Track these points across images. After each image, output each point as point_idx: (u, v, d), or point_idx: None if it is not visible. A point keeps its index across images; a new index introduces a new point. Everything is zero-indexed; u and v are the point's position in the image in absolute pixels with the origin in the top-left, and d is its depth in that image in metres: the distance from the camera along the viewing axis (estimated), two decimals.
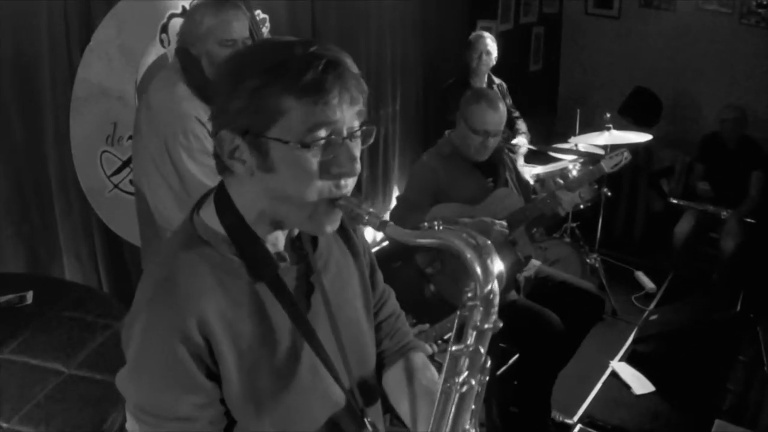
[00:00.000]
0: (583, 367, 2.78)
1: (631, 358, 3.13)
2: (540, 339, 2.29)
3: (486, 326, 0.85)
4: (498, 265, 0.84)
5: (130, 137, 2.47)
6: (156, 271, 0.91)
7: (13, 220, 2.23)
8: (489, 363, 0.88)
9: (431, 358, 1.92)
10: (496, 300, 0.85)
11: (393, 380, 1.13)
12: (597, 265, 3.64)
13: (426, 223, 0.85)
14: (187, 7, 2.62)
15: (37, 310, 1.82)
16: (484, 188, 2.41)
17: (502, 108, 2.33)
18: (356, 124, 0.86)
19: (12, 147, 2.20)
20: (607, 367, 3.05)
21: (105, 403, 1.46)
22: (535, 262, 2.60)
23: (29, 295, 1.87)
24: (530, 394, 2.49)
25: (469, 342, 0.86)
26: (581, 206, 3.40)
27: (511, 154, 2.84)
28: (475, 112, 2.29)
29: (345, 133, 0.85)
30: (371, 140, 0.90)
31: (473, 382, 0.86)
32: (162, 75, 2.01)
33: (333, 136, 0.84)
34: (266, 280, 0.91)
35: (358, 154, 0.87)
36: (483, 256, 0.82)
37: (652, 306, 3.62)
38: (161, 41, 2.59)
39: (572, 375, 2.61)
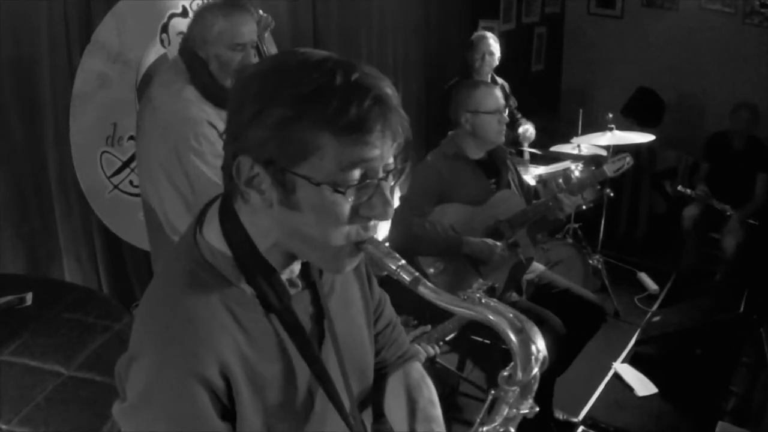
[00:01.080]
0: (585, 369, 2.77)
1: (633, 360, 3.11)
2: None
3: (521, 411, 0.81)
4: (542, 351, 0.79)
5: (130, 137, 2.47)
6: (164, 304, 0.82)
7: (12, 221, 2.23)
8: None
9: (432, 360, 1.91)
10: (536, 386, 0.81)
11: (392, 395, 1.09)
12: (599, 266, 3.62)
13: (468, 292, 0.79)
14: (188, 6, 2.62)
15: (37, 311, 1.81)
16: (487, 189, 2.40)
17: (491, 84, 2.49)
18: (391, 160, 0.78)
19: (11, 148, 2.20)
20: (609, 368, 3.03)
21: (105, 405, 1.44)
22: (538, 266, 2.59)
23: (29, 297, 1.86)
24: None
25: (498, 423, 0.82)
26: (584, 207, 3.39)
27: (516, 156, 2.84)
28: (482, 96, 2.35)
29: (381, 173, 0.77)
30: (403, 177, 0.83)
31: None
32: (165, 77, 1.97)
33: (368, 180, 0.76)
34: (277, 311, 0.84)
35: (389, 194, 0.80)
36: (527, 342, 0.77)
37: (654, 307, 3.60)
38: (161, 41, 2.58)
39: (574, 377, 2.59)
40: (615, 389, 2.92)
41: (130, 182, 2.54)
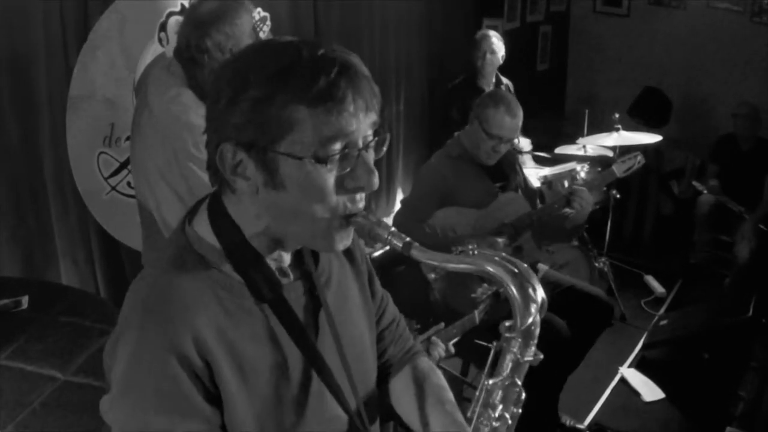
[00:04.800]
0: (591, 374, 2.76)
1: (640, 364, 3.09)
2: (546, 345, 2.24)
3: (525, 359, 0.81)
4: (540, 293, 0.78)
5: (128, 138, 2.44)
6: (144, 287, 0.82)
7: (8, 224, 2.22)
8: (524, 395, 0.83)
9: (437, 362, 1.89)
10: (537, 331, 0.80)
11: (401, 388, 1.08)
12: (606, 269, 3.59)
13: (460, 247, 0.79)
14: (187, 5, 2.60)
15: (33, 315, 1.80)
16: (491, 193, 2.38)
17: (521, 115, 2.29)
18: (370, 133, 0.80)
19: (7, 149, 2.19)
20: (616, 373, 3.01)
21: None
22: (542, 267, 2.56)
23: (25, 300, 1.85)
24: (537, 401, 2.44)
25: (505, 374, 0.82)
26: (589, 209, 3.37)
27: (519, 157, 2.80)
28: (492, 116, 2.25)
29: (360, 143, 0.78)
30: (384, 150, 0.83)
31: (507, 416, 0.82)
32: (161, 80, 1.91)
33: (347, 150, 0.77)
34: (269, 300, 0.84)
35: (372, 164, 0.81)
36: (524, 285, 0.77)
37: (662, 311, 3.58)
38: (159, 40, 2.56)
39: (581, 381, 2.58)
40: (621, 394, 2.89)
41: (128, 183, 2.53)
